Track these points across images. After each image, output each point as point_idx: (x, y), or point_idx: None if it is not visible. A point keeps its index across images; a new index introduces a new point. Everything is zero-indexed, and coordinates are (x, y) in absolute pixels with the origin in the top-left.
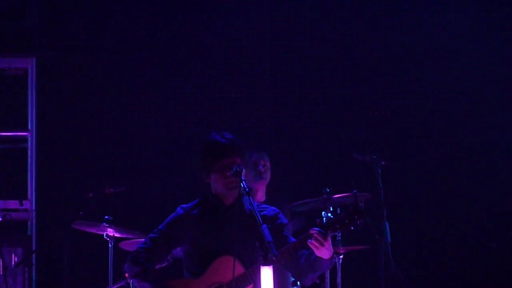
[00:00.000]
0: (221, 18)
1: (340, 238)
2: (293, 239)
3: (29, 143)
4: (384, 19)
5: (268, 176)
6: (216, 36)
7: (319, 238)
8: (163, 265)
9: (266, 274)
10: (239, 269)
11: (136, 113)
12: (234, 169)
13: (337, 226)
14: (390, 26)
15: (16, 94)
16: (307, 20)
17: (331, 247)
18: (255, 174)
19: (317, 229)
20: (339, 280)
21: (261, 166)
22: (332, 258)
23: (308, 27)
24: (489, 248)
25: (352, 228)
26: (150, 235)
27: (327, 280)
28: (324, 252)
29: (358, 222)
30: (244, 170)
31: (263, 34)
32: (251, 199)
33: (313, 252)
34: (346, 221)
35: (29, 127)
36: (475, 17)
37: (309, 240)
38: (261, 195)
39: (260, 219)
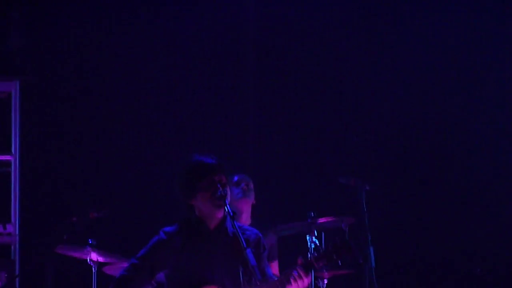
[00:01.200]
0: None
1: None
2: (270, 270)
3: (13, 167)
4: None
5: (251, 196)
6: (201, 55)
7: (303, 276)
8: None
9: None
10: None
11: (119, 137)
12: (219, 193)
13: (325, 261)
14: (373, 50)
15: None
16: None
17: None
18: (237, 192)
19: (300, 269)
20: None
21: (243, 184)
22: None
23: (294, 41)
24: (474, 273)
25: (340, 263)
26: (132, 260)
27: None
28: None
29: (346, 256)
30: (228, 193)
31: (247, 50)
32: (234, 222)
33: None
34: (334, 256)
35: (12, 151)
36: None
37: (291, 277)
38: (246, 217)
39: (244, 243)
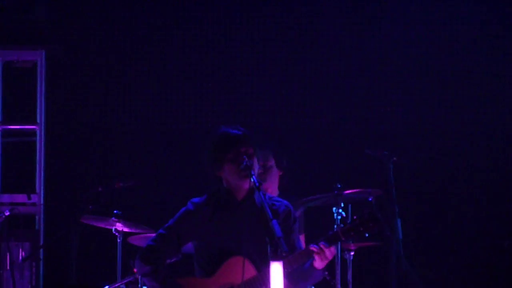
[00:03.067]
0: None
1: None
2: (300, 243)
3: (38, 137)
4: (399, 16)
5: (268, 177)
6: (225, 30)
7: (327, 251)
8: (172, 261)
9: (276, 270)
10: (251, 272)
11: (146, 106)
12: (244, 163)
13: (352, 234)
14: (402, 23)
15: (24, 87)
16: (318, 13)
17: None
18: (261, 166)
19: (324, 242)
20: (349, 276)
21: (268, 161)
22: (324, 269)
23: (319, 20)
24: (502, 246)
25: (367, 235)
26: (160, 231)
27: (338, 277)
28: (323, 263)
29: (374, 229)
30: (255, 164)
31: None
32: (261, 193)
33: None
34: (361, 228)
35: (38, 120)
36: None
37: (315, 250)
38: (273, 189)
39: (270, 213)
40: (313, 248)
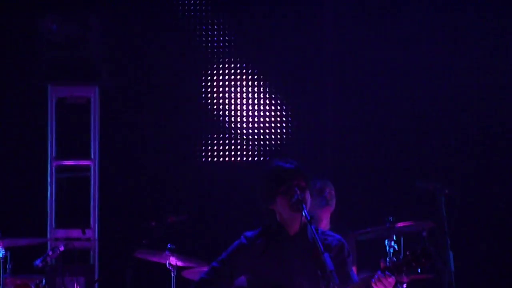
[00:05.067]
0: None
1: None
2: (355, 276)
3: (92, 172)
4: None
5: (333, 203)
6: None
7: (385, 281)
8: None
9: None
10: None
11: (197, 141)
12: (296, 197)
13: (404, 269)
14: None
15: (78, 122)
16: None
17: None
18: (320, 200)
19: (383, 272)
20: None
21: (326, 192)
22: None
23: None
24: None
25: (419, 271)
26: (213, 264)
27: None
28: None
29: (426, 265)
30: (307, 198)
31: (325, 61)
32: (313, 227)
33: None
34: (413, 264)
35: (92, 156)
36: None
37: (373, 281)
38: (325, 223)
39: (321, 247)
40: (372, 277)
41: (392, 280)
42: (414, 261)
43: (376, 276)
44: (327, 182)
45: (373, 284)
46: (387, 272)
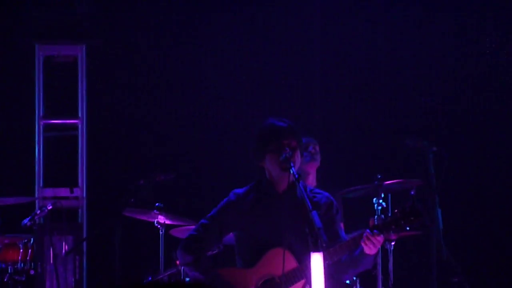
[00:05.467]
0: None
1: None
2: (343, 234)
3: (79, 131)
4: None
5: (318, 158)
6: (266, 21)
7: (374, 239)
8: (213, 252)
9: (317, 261)
10: (292, 263)
11: (186, 99)
12: (284, 155)
13: (393, 227)
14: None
15: (65, 81)
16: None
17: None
18: (305, 155)
19: (372, 231)
20: (390, 266)
21: (311, 147)
22: (375, 255)
23: (360, 9)
24: None
25: (408, 228)
26: (202, 221)
27: (379, 267)
28: (373, 250)
29: (415, 223)
30: (296, 157)
31: (313, 13)
32: (301, 185)
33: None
34: (402, 222)
35: (79, 115)
36: None
37: (362, 240)
38: (312, 180)
39: (309, 205)
40: (361, 237)
41: (380, 238)
42: (403, 219)
43: (365, 235)
44: (311, 139)
45: (362, 243)
46: (375, 231)
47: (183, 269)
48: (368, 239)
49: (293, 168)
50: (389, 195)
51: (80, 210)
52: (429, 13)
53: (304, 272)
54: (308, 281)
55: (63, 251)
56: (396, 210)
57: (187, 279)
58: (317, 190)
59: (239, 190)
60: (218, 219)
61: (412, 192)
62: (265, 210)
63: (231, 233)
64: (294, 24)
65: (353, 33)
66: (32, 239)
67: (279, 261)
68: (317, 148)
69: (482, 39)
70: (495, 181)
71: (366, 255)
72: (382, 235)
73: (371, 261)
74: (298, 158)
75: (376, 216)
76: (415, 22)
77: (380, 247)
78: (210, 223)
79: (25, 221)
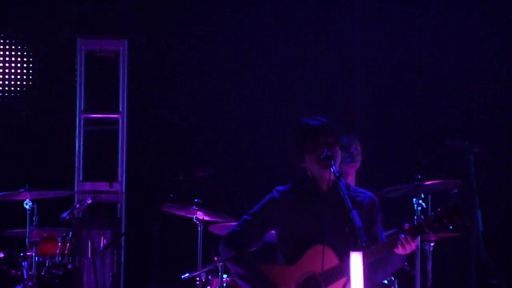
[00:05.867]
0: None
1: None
2: (383, 235)
3: (120, 125)
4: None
5: (359, 159)
6: (303, 21)
7: (410, 241)
8: (252, 249)
9: (356, 260)
10: (334, 261)
11: (227, 95)
12: (325, 153)
13: (436, 226)
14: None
15: (107, 76)
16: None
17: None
18: (346, 156)
19: (406, 235)
20: (429, 267)
21: (353, 148)
22: (404, 257)
23: (402, 12)
24: None
25: (451, 227)
26: (245, 216)
27: (418, 267)
28: (404, 252)
29: (458, 221)
30: (336, 154)
31: (353, 14)
32: (343, 184)
33: None
34: (446, 220)
35: (120, 109)
36: None
37: (399, 241)
38: (351, 180)
39: (350, 204)
40: (398, 237)
41: (414, 242)
42: (446, 218)
43: (400, 239)
44: (353, 139)
45: (399, 245)
46: (409, 236)
47: (221, 265)
48: (402, 243)
49: (333, 167)
50: (429, 196)
51: (119, 205)
52: (470, 13)
53: (345, 270)
54: (349, 280)
55: (101, 245)
56: (439, 209)
57: (225, 275)
58: (361, 190)
59: (281, 188)
60: (261, 216)
61: (456, 191)
62: (308, 208)
63: (273, 229)
64: (334, 22)
65: (394, 31)
66: (70, 233)
67: (320, 259)
68: (359, 149)
69: None
70: None
71: (395, 254)
72: (416, 239)
73: (400, 261)
74: (338, 154)
75: (415, 217)
76: (458, 22)
77: (415, 248)
78: (253, 219)
79: (64, 214)
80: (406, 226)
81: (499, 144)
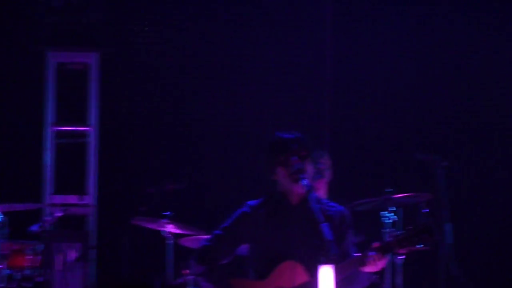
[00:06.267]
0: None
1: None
2: (352, 249)
3: (90, 138)
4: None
5: (328, 174)
6: (276, 34)
7: (378, 260)
8: (224, 262)
9: (326, 274)
10: (303, 277)
11: (198, 109)
12: (296, 166)
13: (405, 244)
14: (453, 29)
15: (77, 88)
16: (371, 19)
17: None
18: (315, 172)
19: (374, 252)
20: (399, 280)
21: (320, 164)
22: (371, 274)
23: (373, 26)
24: None
25: (421, 246)
26: (216, 232)
27: (388, 281)
28: (373, 270)
29: (427, 240)
30: (307, 167)
31: (324, 25)
32: (314, 197)
33: None
34: (415, 239)
35: (90, 122)
36: None
37: (367, 260)
38: (322, 194)
39: (321, 217)
40: (366, 256)
41: (383, 260)
42: (416, 236)
43: (368, 257)
44: (321, 153)
45: (367, 263)
46: (376, 253)
47: (193, 279)
48: (370, 262)
49: (305, 180)
50: (400, 209)
51: (89, 218)
52: (440, 25)
53: (315, 286)
54: None
55: (72, 258)
56: (409, 227)
57: None
58: (332, 204)
59: (252, 202)
60: (232, 230)
61: (425, 210)
62: (278, 222)
63: (244, 244)
64: (305, 35)
65: (363, 45)
66: (40, 245)
67: (291, 274)
68: (328, 162)
69: (497, 53)
70: (505, 196)
71: (363, 272)
72: (385, 257)
73: (366, 279)
74: (309, 168)
75: (387, 230)
76: (428, 33)
77: (384, 266)
78: (224, 234)
79: (34, 227)
80: (375, 244)
81: (468, 157)
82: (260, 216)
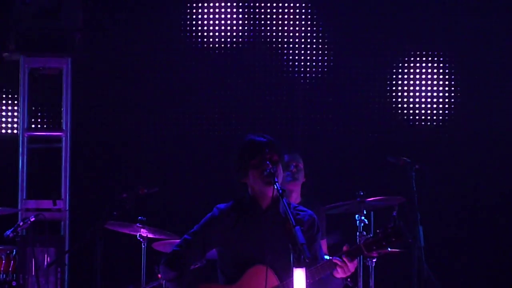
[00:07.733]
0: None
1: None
2: (322, 253)
3: (63, 143)
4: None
5: (300, 176)
6: (248, 38)
7: (348, 263)
8: (195, 266)
9: (299, 276)
10: (273, 281)
11: (171, 114)
12: (268, 170)
13: (374, 248)
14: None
15: (50, 94)
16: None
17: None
18: (286, 175)
19: (342, 258)
20: (372, 283)
21: (292, 167)
22: (344, 278)
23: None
24: None
25: (389, 249)
26: (185, 236)
27: (360, 284)
28: (344, 274)
29: (396, 244)
30: (279, 171)
31: (298, 30)
32: (285, 201)
33: None
34: (384, 242)
35: (63, 127)
36: None
37: (338, 263)
38: (296, 197)
39: (293, 221)
40: (336, 261)
41: (352, 265)
42: (384, 240)
43: (338, 261)
44: (295, 156)
45: (336, 269)
46: (347, 258)
47: (165, 284)
48: (340, 266)
49: (277, 184)
50: (372, 212)
51: (62, 223)
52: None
53: None
54: None
55: (45, 263)
56: (378, 231)
57: None
58: (301, 208)
59: (222, 206)
60: (201, 235)
61: (394, 213)
62: (248, 226)
63: (214, 248)
64: (277, 38)
65: (334, 47)
66: (14, 250)
67: (261, 279)
68: (300, 165)
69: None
70: (477, 199)
71: (335, 277)
72: (355, 261)
73: (340, 284)
74: (281, 172)
75: (358, 233)
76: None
77: (353, 270)
78: (193, 239)
79: (8, 232)
80: (344, 247)
81: (440, 160)
82: (230, 220)
